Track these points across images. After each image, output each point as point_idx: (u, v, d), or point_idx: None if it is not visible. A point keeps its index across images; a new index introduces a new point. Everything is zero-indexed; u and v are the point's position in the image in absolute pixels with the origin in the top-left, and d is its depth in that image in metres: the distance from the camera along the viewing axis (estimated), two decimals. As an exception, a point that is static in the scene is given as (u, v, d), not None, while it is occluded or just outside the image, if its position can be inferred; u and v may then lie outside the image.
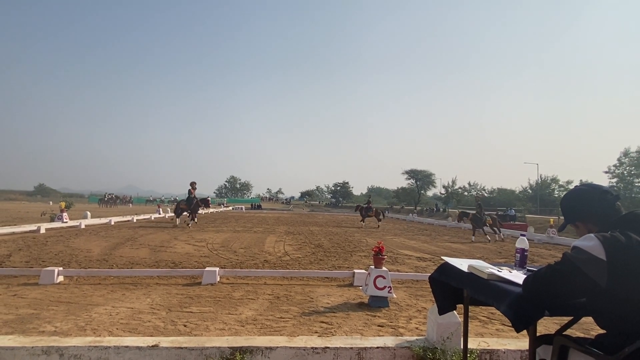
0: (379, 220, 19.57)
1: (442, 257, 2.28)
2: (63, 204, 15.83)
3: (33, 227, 12.06)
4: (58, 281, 5.37)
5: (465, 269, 1.98)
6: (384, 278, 4.61)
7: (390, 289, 4.61)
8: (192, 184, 15.85)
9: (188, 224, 15.51)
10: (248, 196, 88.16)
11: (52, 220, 14.76)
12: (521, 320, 1.48)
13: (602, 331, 1.57)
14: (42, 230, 11.92)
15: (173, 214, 15.71)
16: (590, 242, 1.43)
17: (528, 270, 2.01)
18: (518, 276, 1.77)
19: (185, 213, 16.27)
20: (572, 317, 1.86)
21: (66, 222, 14.16)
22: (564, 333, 1.76)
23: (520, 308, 1.49)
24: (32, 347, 2.66)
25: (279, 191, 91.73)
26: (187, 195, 15.98)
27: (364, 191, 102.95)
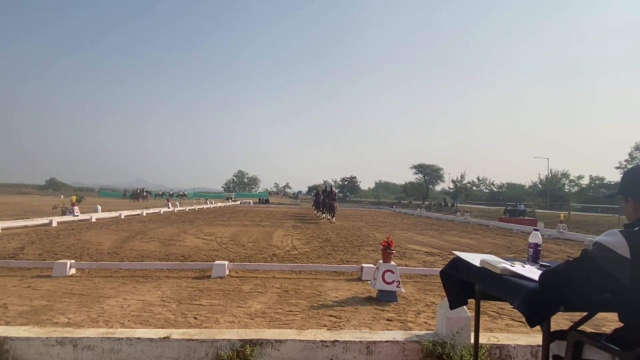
0: None
1: (454, 252, 2.26)
2: (74, 198, 16.06)
3: (45, 220, 12.27)
4: (70, 273, 5.46)
5: (477, 263, 1.96)
6: (393, 272, 4.60)
7: (399, 283, 4.61)
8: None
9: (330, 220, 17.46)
10: (256, 191, 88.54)
11: (63, 213, 15.00)
12: (535, 315, 1.46)
13: (619, 326, 1.55)
14: (54, 224, 12.12)
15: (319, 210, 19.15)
16: (613, 238, 1.38)
17: (541, 265, 1.98)
18: (531, 271, 1.75)
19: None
20: (587, 313, 1.83)
21: (77, 215, 14.38)
22: (578, 329, 1.73)
23: (535, 303, 1.47)
24: (47, 338, 2.71)
25: (287, 186, 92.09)
26: (326, 194, 18.94)
27: (372, 186, 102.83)
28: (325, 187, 22.39)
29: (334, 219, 18.15)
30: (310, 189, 72.71)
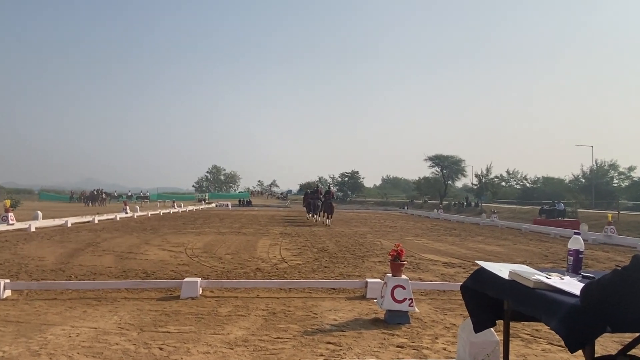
0: None
1: (477, 262, 2.28)
2: (8, 202, 15.91)
3: (-28, 230, 12.15)
4: (5, 296, 5.42)
5: (505, 275, 1.98)
6: (404, 288, 4.63)
7: (412, 301, 4.63)
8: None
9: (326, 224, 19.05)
10: (235, 190, 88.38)
11: (-5, 222, 14.85)
12: (577, 337, 1.47)
13: None
14: (-16, 235, 12.00)
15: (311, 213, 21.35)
16: None
17: (583, 276, 2.00)
18: (572, 284, 1.77)
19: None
20: (638, 334, 1.86)
21: (12, 224, 14.25)
22: (628, 353, 1.75)
23: (576, 323, 1.49)
24: (-24, 376, 2.69)
25: (273, 184, 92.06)
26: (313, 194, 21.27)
27: (378, 182, 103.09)
28: (318, 186, 23.41)
29: (330, 222, 18.82)
30: (302, 187, 72.89)
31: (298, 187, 78.58)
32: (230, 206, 42.19)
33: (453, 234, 16.75)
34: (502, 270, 2.06)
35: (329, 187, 21.92)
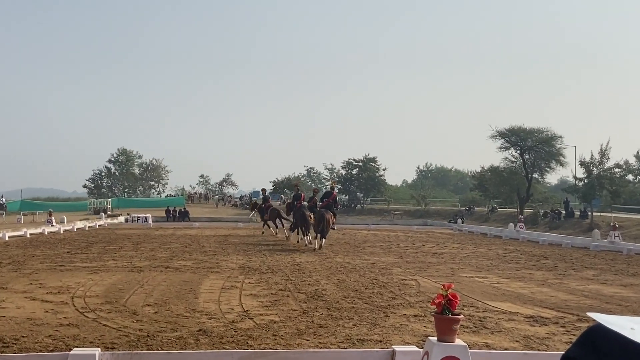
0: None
1: (590, 314, 2.26)
2: None
3: None
4: None
5: (640, 338, 1.96)
6: (460, 362, 4.63)
7: (474, 385, 4.65)
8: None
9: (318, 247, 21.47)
10: (159, 193, 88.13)
11: None
12: None
13: None
14: None
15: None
16: None
17: None
18: None
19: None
20: None
21: None
22: None
23: None
24: None
25: (228, 180, 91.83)
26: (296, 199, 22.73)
27: (410, 177, 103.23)
28: (299, 189, 23.98)
29: (323, 243, 19.72)
30: (277, 185, 72.72)
31: (271, 187, 78.58)
32: (151, 220, 42.07)
33: (543, 266, 16.81)
34: (634, 329, 2.04)
35: (331, 187, 22.08)
